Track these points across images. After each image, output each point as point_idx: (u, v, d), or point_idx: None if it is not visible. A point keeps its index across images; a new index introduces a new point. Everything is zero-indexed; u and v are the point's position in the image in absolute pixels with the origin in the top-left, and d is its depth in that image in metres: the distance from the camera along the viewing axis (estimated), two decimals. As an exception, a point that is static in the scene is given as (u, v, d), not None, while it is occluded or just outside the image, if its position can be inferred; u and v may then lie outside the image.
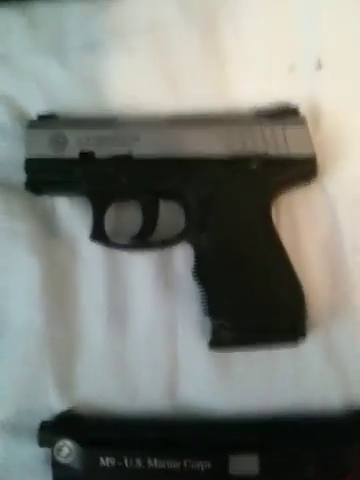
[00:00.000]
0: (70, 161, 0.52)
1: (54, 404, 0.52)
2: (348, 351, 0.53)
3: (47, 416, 0.52)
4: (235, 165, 0.52)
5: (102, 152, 0.52)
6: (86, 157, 0.52)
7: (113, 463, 0.49)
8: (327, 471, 0.49)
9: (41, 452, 0.51)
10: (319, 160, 0.52)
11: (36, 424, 0.51)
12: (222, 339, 0.50)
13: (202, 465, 0.49)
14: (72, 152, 0.52)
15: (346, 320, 0.53)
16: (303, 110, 0.54)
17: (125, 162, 0.52)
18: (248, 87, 0.56)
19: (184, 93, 0.56)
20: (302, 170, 0.52)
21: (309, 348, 0.52)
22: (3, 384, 0.53)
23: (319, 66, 0.56)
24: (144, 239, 0.53)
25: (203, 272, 0.51)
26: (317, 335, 0.52)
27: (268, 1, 0.57)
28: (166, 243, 0.53)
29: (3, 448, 0.52)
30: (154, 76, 0.56)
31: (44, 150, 0.52)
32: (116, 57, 0.57)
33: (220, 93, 0.56)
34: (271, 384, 0.53)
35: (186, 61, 0.56)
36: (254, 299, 0.50)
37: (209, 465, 0.49)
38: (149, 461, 0.49)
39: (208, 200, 0.52)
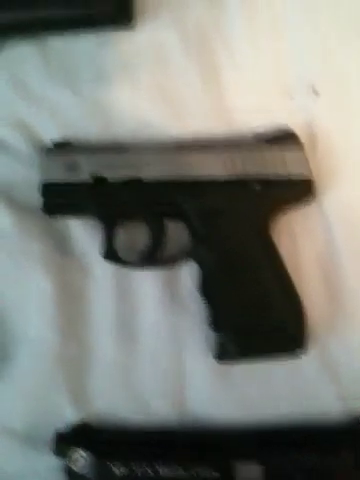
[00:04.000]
0: (83, 185, 0.54)
1: (68, 416, 0.54)
2: (344, 362, 0.54)
3: (61, 427, 0.54)
4: (237, 186, 0.53)
5: (114, 176, 0.54)
6: (99, 181, 0.54)
7: (125, 472, 0.50)
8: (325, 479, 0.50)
9: (56, 462, 0.52)
10: (316, 181, 0.54)
11: (51, 435, 0.53)
12: (226, 352, 0.52)
13: (210, 473, 0.50)
14: (85, 176, 0.54)
15: (342, 333, 0.55)
16: (300, 134, 0.55)
17: (135, 185, 0.54)
18: (247, 113, 0.58)
19: (187, 120, 0.58)
20: (300, 191, 0.54)
21: (307, 358, 0.53)
22: (19, 398, 0.54)
23: (315, 92, 0.58)
24: (152, 257, 0.55)
25: (208, 288, 0.53)
26: (315, 345, 0.54)
27: (262, 31, 0.59)
28: (172, 261, 0.55)
29: (20, 458, 0.53)
30: (159, 105, 0.58)
31: (59, 175, 0.54)
32: (124, 87, 0.59)
33: (220, 119, 0.58)
34: (271, 393, 0.54)
35: (188, 90, 0.58)
36: (256, 314, 0.51)
37: (217, 474, 0.50)
38: (159, 470, 0.50)
39: (212, 220, 0.53)
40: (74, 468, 0.51)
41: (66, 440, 0.53)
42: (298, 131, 0.56)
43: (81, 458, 0.51)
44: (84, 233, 0.57)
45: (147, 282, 0.56)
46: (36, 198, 0.55)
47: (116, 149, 0.56)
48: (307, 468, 0.50)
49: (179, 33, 0.59)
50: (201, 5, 0.59)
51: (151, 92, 0.59)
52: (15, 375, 0.55)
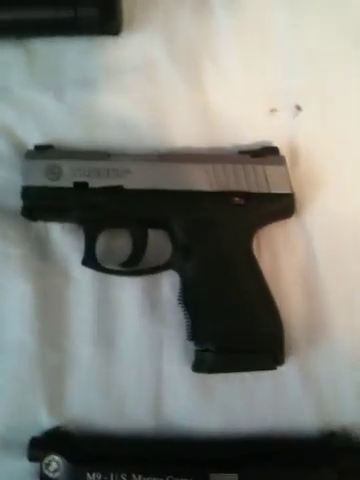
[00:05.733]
0: (65, 190, 0.54)
1: (43, 421, 0.54)
2: (323, 375, 0.55)
3: (37, 432, 0.54)
4: (219, 199, 0.54)
5: (95, 183, 0.54)
6: (80, 187, 0.54)
7: (99, 478, 0.50)
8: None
9: (30, 467, 0.52)
10: (297, 196, 0.55)
11: (26, 440, 0.53)
12: (205, 362, 0.52)
13: (186, 484, 0.50)
14: (67, 182, 0.54)
15: (322, 346, 0.55)
16: (283, 149, 0.56)
17: (117, 193, 0.54)
18: (231, 126, 0.58)
19: (171, 129, 0.58)
20: (281, 206, 0.55)
21: (287, 372, 0.54)
22: (-5, 401, 0.54)
23: (298, 108, 0.58)
24: (133, 265, 0.55)
25: (188, 298, 0.53)
26: (295, 360, 0.54)
27: (250, 46, 0.59)
28: (153, 270, 0.55)
29: (-6, 463, 0.53)
30: (143, 113, 0.58)
31: (40, 179, 0.54)
32: (109, 93, 0.58)
33: (205, 130, 0.58)
34: (251, 406, 0.55)
35: (173, 99, 0.58)
36: (235, 325, 0.52)
37: None
38: (134, 477, 0.50)
39: (193, 231, 0.53)
40: (48, 473, 0.51)
41: (41, 445, 0.53)
42: (281, 146, 0.56)
43: (55, 463, 0.52)
44: (64, 237, 0.57)
45: (127, 289, 0.56)
46: (16, 201, 0.55)
47: (98, 155, 0.56)
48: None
49: (167, 44, 0.59)
50: (190, 19, 0.59)
51: (136, 100, 0.59)
52: (-8, 379, 0.54)
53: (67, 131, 0.58)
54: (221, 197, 0.54)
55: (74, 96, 0.59)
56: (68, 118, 0.58)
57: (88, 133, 0.58)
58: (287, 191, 0.55)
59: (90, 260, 0.55)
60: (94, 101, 0.59)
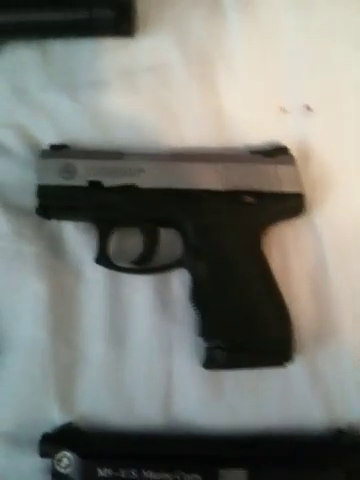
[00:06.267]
0: (79, 189, 0.54)
1: (55, 417, 0.54)
2: (331, 374, 0.55)
3: (48, 429, 0.54)
4: (230, 198, 0.54)
5: (109, 182, 0.55)
6: (94, 186, 0.55)
7: (110, 474, 0.51)
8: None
9: (41, 463, 0.53)
10: (307, 196, 0.55)
11: (37, 436, 0.53)
12: (215, 359, 0.52)
13: (193, 478, 0.50)
14: (81, 181, 0.54)
15: (330, 345, 0.55)
16: (293, 149, 0.56)
17: (130, 192, 0.55)
18: (243, 127, 0.58)
19: (183, 130, 0.58)
20: (292, 205, 0.55)
21: (295, 370, 0.54)
22: (7, 397, 0.55)
23: (309, 109, 0.59)
24: (144, 264, 0.56)
25: (198, 296, 0.54)
26: (303, 358, 0.54)
27: (260, 47, 0.60)
28: (165, 268, 0.56)
29: (4, 458, 0.54)
30: (156, 114, 0.59)
31: (55, 178, 0.54)
32: (123, 94, 0.59)
33: (217, 130, 0.59)
34: (259, 403, 0.55)
35: (186, 100, 0.59)
36: (245, 323, 0.52)
37: (199, 478, 0.50)
38: (144, 472, 0.51)
39: (204, 229, 0.54)
40: (59, 468, 0.52)
41: (52, 441, 0.53)
42: (291, 146, 0.57)
43: (66, 459, 0.52)
44: (77, 236, 0.58)
45: (139, 287, 0.57)
46: (30, 200, 0.55)
47: (112, 154, 0.56)
48: (291, 477, 0.51)
49: (180, 45, 0.60)
50: (203, 22, 0.60)
51: (149, 101, 0.59)
52: (4, 375, 0.55)
53: (81, 131, 0.59)
54: (232, 196, 0.54)
55: (88, 96, 0.59)
56: (82, 118, 0.59)
57: (102, 133, 0.59)
58: (298, 190, 0.55)
59: (103, 258, 0.55)
60: (108, 102, 0.59)
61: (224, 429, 0.55)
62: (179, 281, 0.57)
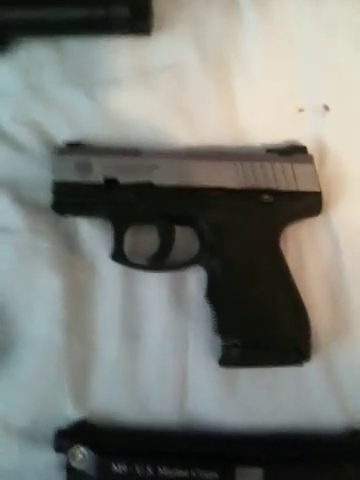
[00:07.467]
0: (94, 186, 0.55)
1: (69, 413, 0.55)
2: (347, 373, 0.55)
3: (63, 424, 0.54)
4: (247, 196, 0.54)
5: (124, 179, 0.55)
6: (110, 183, 0.55)
7: (125, 470, 0.51)
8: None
9: (55, 459, 0.53)
10: (324, 195, 0.55)
11: (52, 432, 0.53)
12: (231, 357, 0.53)
13: (210, 475, 0.50)
14: (97, 177, 0.55)
15: (346, 343, 0.56)
16: (310, 148, 0.57)
17: (145, 189, 0.55)
18: (259, 126, 0.59)
19: (199, 130, 0.59)
20: (308, 204, 0.55)
21: (311, 368, 0.54)
22: (22, 393, 0.55)
23: (326, 108, 0.59)
24: (160, 261, 0.56)
25: (214, 294, 0.54)
26: (318, 357, 0.54)
27: (277, 46, 0.60)
28: (180, 265, 0.56)
29: (19, 454, 0.54)
30: (172, 111, 0.59)
31: (71, 174, 0.54)
32: (137, 92, 0.59)
33: (233, 130, 0.59)
34: (274, 401, 0.55)
35: (202, 99, 0.59)
36: (262, 321, 0.52)
37: (216, 475, 0.50)
38: (159, 469, 0.51)
39: (220, 227, 0.54)
40: (74, 464, 0.52)
41: (67, 436, 0.53)
42: (308, 145, 0.57)
43: (81, 454, 0.52)
44: (92, 232, 0.58)
45: (154, 284, 0.57)
46: (46, 196, 0.56)
47: (128, 152, 0.56)
48: (307, 476, 0.51)
49: (196, 44, 0.60)
50: (220, 22, 0.60)
51: (165, 100, 0.59)
52: (19, 371, 0.55)
53: (96, 128, 0.59)
54: (249, 195, 0.55)
55: (104, 94, 0.59)
56: (98, 116, 0.59)
57: (117, 131, 0.59)
58: (315, 189, 0.55)
59: (119, 255, 0.56)
60: (123, 99, 0.59)
61: (239, 427, 0.55)
62: (195, 278, 0.57)
